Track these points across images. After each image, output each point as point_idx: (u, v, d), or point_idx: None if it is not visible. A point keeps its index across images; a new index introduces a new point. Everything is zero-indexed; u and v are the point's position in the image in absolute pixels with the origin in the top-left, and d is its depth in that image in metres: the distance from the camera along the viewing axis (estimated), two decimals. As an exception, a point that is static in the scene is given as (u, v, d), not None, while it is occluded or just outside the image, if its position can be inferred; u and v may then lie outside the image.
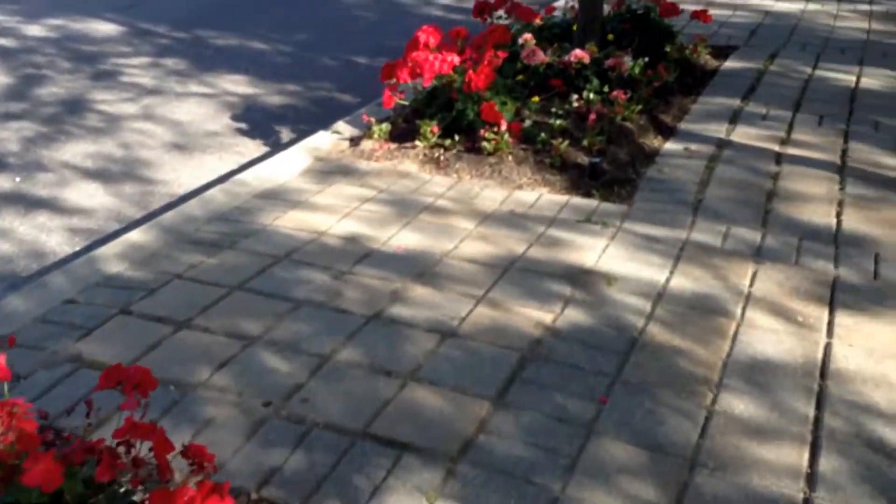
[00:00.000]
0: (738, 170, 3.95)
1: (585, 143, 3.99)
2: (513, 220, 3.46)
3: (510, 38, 4.46)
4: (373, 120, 4.32)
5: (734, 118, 4.68)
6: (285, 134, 5.01)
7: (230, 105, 5.52)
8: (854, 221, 3.43)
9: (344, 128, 4.54)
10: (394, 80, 4.15)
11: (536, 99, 4.27)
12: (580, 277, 2.98)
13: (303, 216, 3.49)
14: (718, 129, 4.50)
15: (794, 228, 3.37)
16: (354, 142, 4.32)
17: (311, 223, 3.42)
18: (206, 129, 5.07)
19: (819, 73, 5.53)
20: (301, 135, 4.94)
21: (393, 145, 4.22)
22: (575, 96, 4.42)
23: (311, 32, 7.40)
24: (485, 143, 3.94)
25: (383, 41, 7.19)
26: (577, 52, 4.49)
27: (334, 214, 3.51)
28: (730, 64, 5.74)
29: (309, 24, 7.69)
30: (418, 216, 3.49)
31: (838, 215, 3.49)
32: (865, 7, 7.64)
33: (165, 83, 5.93)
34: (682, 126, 4.58)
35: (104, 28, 7.45)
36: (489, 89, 4.13)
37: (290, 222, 3.43)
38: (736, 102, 4.94)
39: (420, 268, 3.05)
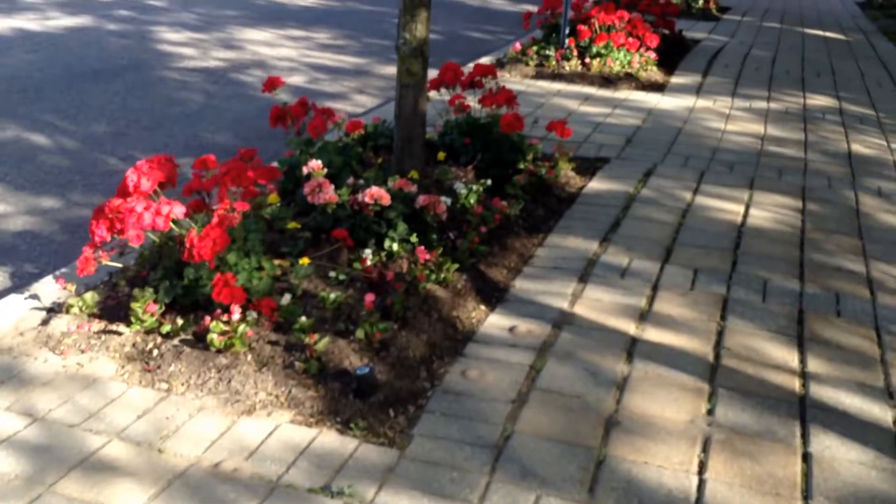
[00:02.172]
0: (572, 372, 2.82)
1: (360, 334, 2.81)
2: (209, 487, 2.23)
3: (255, 178, 3.27)
4: (72, 289, 3.07)
5: (585, 273, 3.58)
6: (-3, 281, 3.72)
7: (-52, 232, 4.20)
8: (723, 484, 2.31)
9: (49, 291, 3.26)
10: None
11: (306, 261, 3.08)
12: None
13: None
14: (562, 292, 3.39)
15: (634, 498, 2.24)
16: (50, 316, 3.06)
17: None
18: None
19: (700, 199, 4.52)
20: (21, 282, 3.68)
21: (99, 325, 2.97)
22: (368, 252, 3.26)
23: (114, 121, 6.12)
24: (211, 337, 2.72)
25: (201, 134, 5.98)
26: (373, 189, 3.34)
27: (-73, 478, 2.23)
28: (595, 185, 4.69)
29: (116, 109, 6.42)
30: (59, 482, 2.23)
31: (701, 470, 2.37)
32: (762, 104, 6.78)
33: None
34: (517, 285, 3.46)
35: None
36: (234, 249, 2.94)
37: None
38: (593, 246, 3.86)
39: None
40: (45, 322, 3.02)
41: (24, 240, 4.18)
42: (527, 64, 7.46)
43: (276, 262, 3.12)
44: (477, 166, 4.44)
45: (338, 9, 12.07)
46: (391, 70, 8.24)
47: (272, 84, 4.24)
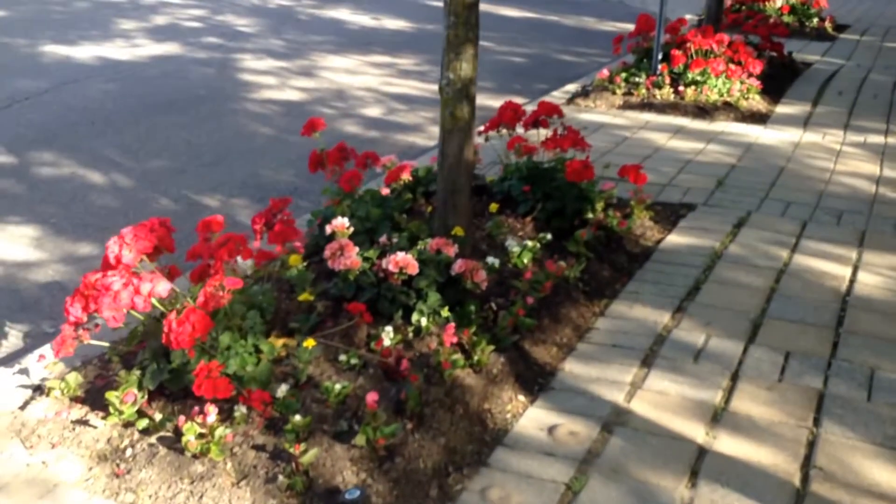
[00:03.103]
0: (618, 497, 2.29)
1: (360, 440, 2.36)
2: None
3: (278, 239, 2.88)
4: (53, 368, 2.74)
5: (651, 354, 3.04)
6: (2, 348, 3.46)
7: (-25, 282, 4.01)
8: None
9: (36, 369, 2.94)
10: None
11: (310, 343, 2.66)
12: None
13: None
14: (620, 380, 2.86)
15: None
16: (32, 397, 2.74)
17: None
18: None
19: (799, 258, 3.88)
20: (34, 343, 3.42)
21: (80, 410, 2.63)
22: (388, 330, 2.81)
23: (175, 157, 5.92)
24: (186, 440, 2.33)
25: (262, 171, 5.70)
26: (398, 257, 2.90)
27: None
28: (675, 238, 4.11)
29: (180, 143, 6.22)
30: None
31: None
32: (879, 139, 5.99)
33: (-84, 242, 4.45)
34: (567, 369, 2.95)
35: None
36: (229, 328, 2.55)
37: None
38: (664, 318, 3.31)
39: None
40: (24, 405, 2.71)
41: (49, 292, 3.94)
42: (613, 92, 6.89)
43: (281, 341, 2.72)
44: (536, 217, 3.95)
45: (428, 31, 11.73)
46: (471, 98, 7.80)
47: (312, 126, 3.88)
